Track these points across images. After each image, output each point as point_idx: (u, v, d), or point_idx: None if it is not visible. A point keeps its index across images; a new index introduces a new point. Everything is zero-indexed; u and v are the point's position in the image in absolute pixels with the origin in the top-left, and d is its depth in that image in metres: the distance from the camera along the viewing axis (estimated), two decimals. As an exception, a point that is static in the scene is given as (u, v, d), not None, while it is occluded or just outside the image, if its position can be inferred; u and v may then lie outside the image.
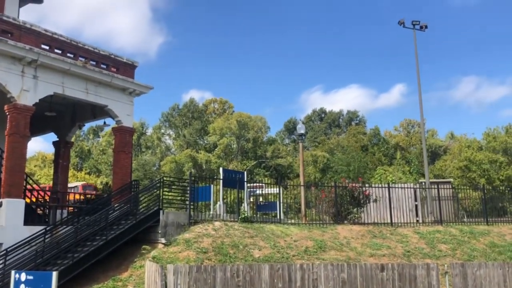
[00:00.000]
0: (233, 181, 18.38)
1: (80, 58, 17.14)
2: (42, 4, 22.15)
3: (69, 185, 37.08)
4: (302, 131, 25.48)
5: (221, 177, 18.63)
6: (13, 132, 14.97)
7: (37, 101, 15.74)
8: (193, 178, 16.73)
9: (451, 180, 37.02)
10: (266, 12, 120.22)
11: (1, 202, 14.36)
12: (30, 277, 9.15)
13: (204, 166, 57.54)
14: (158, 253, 13.67)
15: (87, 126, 63.17)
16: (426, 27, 28.43)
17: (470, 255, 16.44)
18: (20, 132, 15.07)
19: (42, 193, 19.48)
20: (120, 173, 18.35)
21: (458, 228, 19.20)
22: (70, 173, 35.26)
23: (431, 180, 29.34)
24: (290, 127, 76.47)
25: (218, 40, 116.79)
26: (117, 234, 14.12)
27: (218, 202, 18.65)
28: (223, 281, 9.98)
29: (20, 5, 20.07)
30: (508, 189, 28.16)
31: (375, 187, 21.41)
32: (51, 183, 26.73)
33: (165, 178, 17.04)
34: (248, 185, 21.86)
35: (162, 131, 73.37)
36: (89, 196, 24.74)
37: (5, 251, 12.89)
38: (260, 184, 26.03)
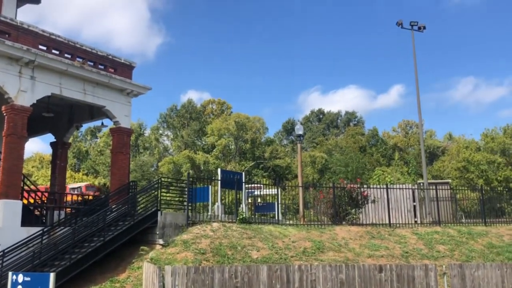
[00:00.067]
0: (231, 182, 18.36)
1: (78, 59, 17.10)
2: (40, 4, 22.08)
3: (73, 185, 37.08)
4: (300, 132, 25.49)
5: (219, 178, 18.60)
6: (11, 133, 14.93)
7: (35, 101, 15.70)
8: (191, 179, 16.70)
9: (449, 181, 37.09)
10: (265, 12, 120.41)
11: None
12: (28, 279, 9.14)
13: (202, 167, 57.50)
14: (156, 254, 13.65)
15: (85, 127, 63.21)
16: (424, 28, 28.47)
17: (468, 256, 16.45)
18: (17, 133, 15.03)
19: (39, 194, 19.42)
20: (118, 174, 18.32)
21: (456, 229, 19.21)
22: (67, 174, 35.30)
23: (429, 181, 29.38)
24: (288, 128, 76.47)
25: (216, 40, 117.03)
26: (115, 235, 14.08)
27: (216, 203, 18.59)
28: (221, 282, 9.96)
29: (18, 6, 20.01)
30: (506, 189, 28.23)
31: (373, 188, 21.41)
32: (48, 184, 26.64)
33: (163, 179, 17.02)
34: (246, 186, 21.82)
35: (160, 132, 73.33)
36: (87, 197, 24.66)
37: (2, 252, 12.84)
38: (258, 185, 25.98)
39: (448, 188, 24.80)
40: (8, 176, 14.61)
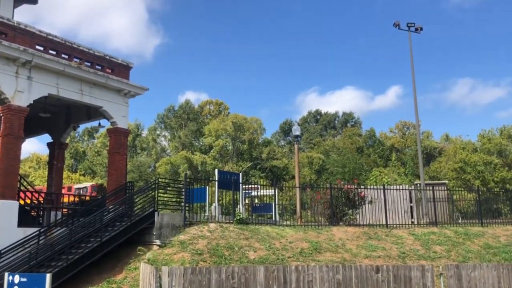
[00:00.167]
0: (228, 182, 18.35)
1: (75, 59, 17.08)
2: (37, 4, 22.04)
3: (79, 185, 37.03)
4: (298, 133, 25.53)
5: (217, 179, 18.60)
6: (7, 133, 14.90)
7: (32, 102, 15.68)
8: (188, 180, 16.69)
9: (446, 181, 37.13)
10: (263, 13, 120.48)
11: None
12: (24, 279, 9.13)
13: (199, 168, 57.49)
14: (153, 255, 13.63)
15: (82, 127, 63.22)
16: (421, 29, 28.57)
17: (465, 257, 16.49)
18: (14, 133, 15.00)
19: (36, 195, 19.38)
20: (115, 174, 18.29)
21: (453, 229, 19.26)
22: (64, 175, 35.22)
23: (426, 181, 29.43)
24: (286, 129, 76.54)
25: (214, 41, 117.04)
26: (111, 235, 14.06)
27: (214, 204, 18.59)
28: (218, 283, 9.96)
29: (15, 6, 19.96)
30: (503, 190, 28.32)
31: (370, 188, 21.42)
32: (45, 184, 26.59)
33: (160, 180, 16.98)
34: (244, 186, 21.83)
35: (158, 132, 73.23)
36: (83, 197, 24.63)
37: (-2, 253, 12.81)
38: (256, 186, 25.99)
39: (445, 189, 24.83)
40: (5, 176, 14.57)
